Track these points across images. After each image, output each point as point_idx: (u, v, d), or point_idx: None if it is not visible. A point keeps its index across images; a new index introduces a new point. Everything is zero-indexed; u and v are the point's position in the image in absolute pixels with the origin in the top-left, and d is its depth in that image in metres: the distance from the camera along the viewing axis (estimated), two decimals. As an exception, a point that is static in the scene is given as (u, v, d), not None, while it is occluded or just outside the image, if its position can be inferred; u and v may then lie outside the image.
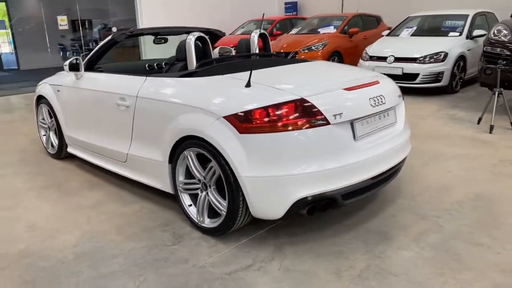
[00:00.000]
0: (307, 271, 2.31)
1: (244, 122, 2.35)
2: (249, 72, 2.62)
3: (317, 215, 2.92)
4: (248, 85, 2.53)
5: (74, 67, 3.61)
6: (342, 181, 2.43)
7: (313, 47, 9.36)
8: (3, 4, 13.73)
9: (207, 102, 2.55)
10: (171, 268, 2.37)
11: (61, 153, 4.24)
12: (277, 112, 2.33)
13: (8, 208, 3.23)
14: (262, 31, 3.71)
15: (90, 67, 3.79)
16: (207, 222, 2.68)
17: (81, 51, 12.37)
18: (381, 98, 2.70)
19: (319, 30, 10.13)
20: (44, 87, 4.24)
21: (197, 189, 2.73)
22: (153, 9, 11.70)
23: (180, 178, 2.79)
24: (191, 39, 3.11)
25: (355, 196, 2.57)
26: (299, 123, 2.33)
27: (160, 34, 4.01)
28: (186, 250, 2.56)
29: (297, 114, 2.34)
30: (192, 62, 3.12)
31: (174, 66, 3.21)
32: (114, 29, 12.29)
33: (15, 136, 5.37)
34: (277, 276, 2.27)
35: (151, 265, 2.41)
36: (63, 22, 10.41)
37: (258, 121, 2.33)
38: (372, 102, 2.62)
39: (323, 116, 2.37)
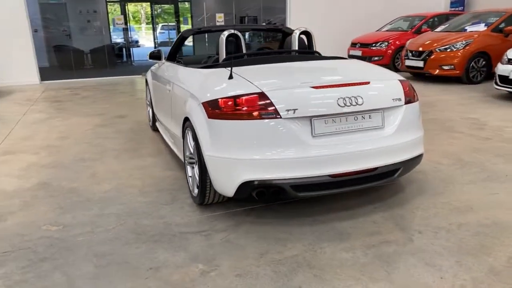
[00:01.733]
0: (240, 245, 2.57)
1: (212, 108, 2.73)
2: (267, 64, 2.96)
3: (298, 206, 3.07)
4: (230, 77, 2.87)
5: (153, 56, 4.48)
6: (291, 173, 2.58)
7: (451, 47, 8.53)
8: (189, 3, 16.34)
9: (197, 89, 3.00)
10: (147, 220, 2.94)
11: (154, 126, 5.26)
12: (237, 103, 2.63)
13: (92, 160, 4.32)
14: (304, 28, 3.88)
15: (171, 58, 4.61)
16: (195, 192, 3.15)
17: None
18: (356, 99, 2.68)
19: (466, 27, 9.10)
20: (148, 72, 5.30)
21: (193, 163, 3.22)
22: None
23: (187, 152, 3.32)
24: (223, 36, 3.58)
25: (310, 190, 2.67)
26: (253, 114, 2.58)
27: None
28: (170, 209, 3.10)
29: (252, 106, 2.59)
30: (222, 56, 3.58)
31: (210, 59, 3.73)
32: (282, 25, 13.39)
33: (143, 110, 6.74)
34: (214, 243, 2.60)
35: (137, 215, 3.03)
36: (220, 18, 11.94)
37: (222, 109, 2.67)
38: (341, 102, 2.64)
39: (274, 110, 2.56)
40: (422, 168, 3.80)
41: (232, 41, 3.63)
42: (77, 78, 11.29)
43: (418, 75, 9.38)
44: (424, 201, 3.14)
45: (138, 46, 18.27)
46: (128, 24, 15.51)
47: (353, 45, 11.53)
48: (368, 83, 2.79)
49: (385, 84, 2.87)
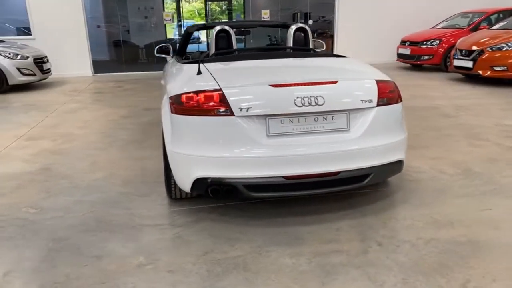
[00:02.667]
0: (189, 242, 2.56)
1: (175, 103, 2.74)
2: (246, 61, 2.97)
3: (270, 206, 2.99)
4: (198, 73, 2.86)
5: (161, 51, 4.58)
6: (244, 172, 2.52)
7: (506, 46, 7.81)
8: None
9: (169, 84, 3.03)
10: (117, 210, 3.04)
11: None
12: (195, 99, 2.62)
13: (99, 149, 4.54)
14: (301, 24, 3.75)
15: (179, 53, 4.69)
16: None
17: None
18: (316, 99, 2.55)
19: (527, 25, 8.27)
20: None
21: (168, 157, 3.26)
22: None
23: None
24: (213, 32, 3.58)
25: (265, 191, 2.60)
26: (208, 110, 2.55)
27: (233, 27, 4.54)
28: (142, 201, 3.17)
29: (209, 103, 2.56)
30: (212, 51, 3.59)
31: (203, 54, 3.74)
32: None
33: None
34: (165, 238, 2.63)
35: (110, 204, 3.14)
36: (265, 15, 11.92)
37: (183, 104, 2.68)
38: (298, 102, 2.53)
39: (228, 107, 2.52)
40: (419, 176, 3.53)
41: (223, 36, 3.62)
42: (129, 71, 11.87)
43: (470, 76, 8.69)
44: (403, 211, 2.92)
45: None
46: (182, 20, 15.98)
47: (403, 43, 10.94)
48: (335, 82, 2.64)
49: (355, 84, 2.70)
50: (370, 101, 2.67)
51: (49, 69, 9.31)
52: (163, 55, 4.64)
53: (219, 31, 3.60)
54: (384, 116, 2.71)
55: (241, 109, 2.51)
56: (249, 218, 2.86)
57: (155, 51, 4.61)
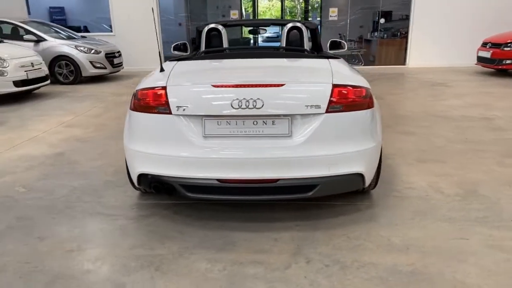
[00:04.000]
0: (126, 235, 2.63)
1: (133, 99, 2.82)
2: (222, 60, 2.99)
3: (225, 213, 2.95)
4: (161, 70, 2.91)
5: (176, 48, 4.71)
6: (180, 172, 2.52)
7: None
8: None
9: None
10: (89, 197, 3.22)
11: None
12: (145, 95, 2.67)
13: (117, 138, 4.84)
14: (297, 24, 3.59)
15: (195, 51, 4.77)
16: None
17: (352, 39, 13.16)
18: (254, 102, 2.43)
19: None
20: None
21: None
22: None
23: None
24: (204, 30, 3.60)
25: (201, 192, 2.56)
26: (151, 108, 2.59)
27: (246, 26, 4.50)
28: (116, 191, 3.31)
29: (153, 100, 2.59)
30: (202, 49, 3.61)
31: (197, 52, 3.77)
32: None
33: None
34: (109, 228, 2.73)
35: (87, 191, 3.34)
36: (333, 13, 11.55)
37: (139, 100, 2.74)
38: (235, 104, 2.43)
39: (167, 106, 2.52)
40: (407, 193, 3.17)
41: (215, 35, 3.62)
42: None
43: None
44: (360, 229, 2.66)
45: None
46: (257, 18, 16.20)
47: (484, 45, 9.81)
48: (281, 85, 2.49)
49: (304, 88, 2.52)
50: (318, 106, 2.47)
51: (120, 63, 10.12)
52: (180, 52, 4.77)
53: (210, 30, 3.61)
54: (336, 123, 2.49)
55: (178, 108, 2.50)
56: (199, 218, 2.84)
57: (172, 48, 4.76)
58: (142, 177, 2.66)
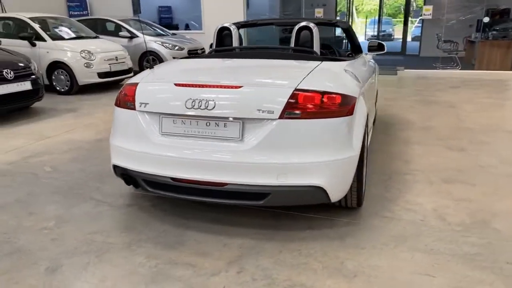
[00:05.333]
0: (99, 220, 2.82)
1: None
2: (216, 59, 3.06)
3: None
4: (151, 67, 3.02)
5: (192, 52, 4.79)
6: (140, 167, 2.61)
7: None
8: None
9: None
10: (95, 183, 3.51)
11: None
12: (122, 91, 2.79)
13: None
14: (306, 23, 3.39)
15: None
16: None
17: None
18: (206, 103, 2.39)
19: None
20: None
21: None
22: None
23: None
24: (216, 29, 3.63)
25: (159, 189, 2.61)
26: (124, 103, 2.71)
27: (273, 25, 4.39)
28: (114, 181, 3.53)
29: (127, 96, 2.71)
30: (214, 47, 3.66)
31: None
32: None
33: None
34: (90, 212, 2.94)
35: (96, 177, 3.63)
36: (427, 11, 10.56)
37: (118, 95, 2.88)
38: (189, 104, 2.42)
39: (133, 101, 2.62)
40: (399, 215, 2.82)
41: (226, 34, 3.63)
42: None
43: None
44: (318, 247, 2.45)
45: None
46: (350, 17, 15.57)
47: None
48: (238, 87, 2.41)
49: (261, 92, 2.39)
50: (271, 112, 2.33)
51: (202, 59, 10.66)
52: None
53: (221, 29, 3.62)
54: (291, 131, 2.33)
55: (141, 104, 2.59)
56: (171, 214, 2.90)
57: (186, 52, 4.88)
58: (115, 168, 2.81)
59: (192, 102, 2.43)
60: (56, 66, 7.74)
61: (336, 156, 2.41)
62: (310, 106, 2.37)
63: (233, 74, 2.74)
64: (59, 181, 3.53)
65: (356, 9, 32.91)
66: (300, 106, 2.35)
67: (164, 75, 2.79)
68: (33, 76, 5.98)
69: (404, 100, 6.83)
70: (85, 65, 7.67)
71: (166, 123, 2.54)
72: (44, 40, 7.79)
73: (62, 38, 8.07)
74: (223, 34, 3.65)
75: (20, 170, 3.79)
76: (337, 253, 2.39)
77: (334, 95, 2.45)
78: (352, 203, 2.78)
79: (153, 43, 9.95)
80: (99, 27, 10.53)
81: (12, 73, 5.64)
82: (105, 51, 8.08)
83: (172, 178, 2.50)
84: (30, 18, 8.03)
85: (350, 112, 2.50)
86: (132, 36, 10.08)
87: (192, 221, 2.79)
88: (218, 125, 2.43)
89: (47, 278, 2.20)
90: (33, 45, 7.77)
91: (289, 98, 2.35)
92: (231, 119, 2.39)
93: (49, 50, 7.73)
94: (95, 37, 8.81)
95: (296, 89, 2.39)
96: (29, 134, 5.02)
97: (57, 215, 2.92)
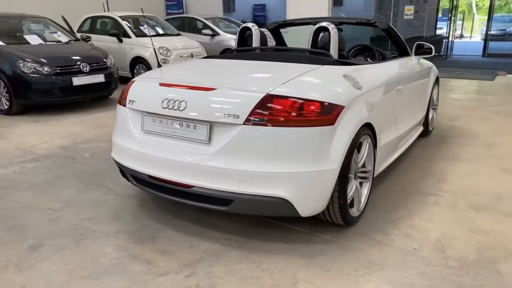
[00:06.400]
0: (94, 207, 3.02)
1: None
2: (227, 60, 3.13)
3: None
4: (159, 65, 3.13)
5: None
6: (126, 161, 2.73)
7: None
8: None
9: None
10: (113, 172, 3.75)
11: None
12: (124, 88, 2.93)
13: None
14: (325, 24, 3.18)
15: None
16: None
17: None
18: (179, 104, 2.39)
19: None
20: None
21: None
22: None
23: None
24: (238, 29, 3.62)
25: (141, 184, 2.70)
26: (120, 100, 2.84)
27: (310, 24, 4.18)
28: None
29: (123, 93, 2.84)
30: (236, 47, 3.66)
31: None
32: None
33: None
34: (91, 198, 3.16)
35: (107, 173, 3.88)
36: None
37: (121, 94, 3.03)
38: (164, 104, 2.45)
39: (125, 99, 2.74)
40: (393, 241, 2.52)
41: (248, 34, 3.59)
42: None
43: None
44: (281, 263, 2.32)
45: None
46: (453, 13, 14.10)
47: None
48: (211, 89, 2.37)
49: (231, 95, 2.32)
50: (236, 116, 2.25)
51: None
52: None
53: (243, 29, 3.59)
54: (256, 137, 2.22)
55: (129, 101, 2.69)
56: (160, 209, 2.98)
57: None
58: (114, 160, 2.97)
59: (168, 102, 2.46)
60: (137, 61, 8.41)
61: (305, 168, 2.24)
62: (280, 112, 2.23)
63: (216, 76, 2.71)
64: (88, 167, 3.85)
65: (477, 5, 29.75)
66: (269, 112, 2.23)
67: (159, 74, 2.86)
68: (107, 70, 6.58)
69: (481, 110, 6.03)
70: (162, 61, 8.19)
71: (147, 121, 2.61)
72: (129, 37, 8.52)
73: (145, 35, 8.73)
74: (245, 34, 3.61)
75: (64, 154, 4.22)
76: (297, 272, 2.23)
77: (311, 103, 2.28)
78: (337, 220, 2.56)
79: (232, 41, 10.23)
80: (187, 25, 11.18)
81: (88, 66, 6.28)
82: (182, 48, 8.54)
83: (149, 176, 2.56)
84: (120, 17, 8.84)
85: (330, 121, 2.30)
86: (214, 34, 10.49)
87: (175, 218, 2.84)
88: (189, 127, 2.42)
89: (25, 254, 2.43)
90: (120, 41, 8.54)
91: (257, 103, 2.25)
92: (199, 121, 2.37)
93: (133, 46, 8.43)
94: (177, 35, 9.36)
95: (268, 94, 2.28)
96: (91, 123, 5.55)
97: (68, 198, 3.19)
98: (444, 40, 14.18)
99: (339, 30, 4.23)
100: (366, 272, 2.22)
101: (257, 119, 2.23)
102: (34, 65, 5.90)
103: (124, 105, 2.75)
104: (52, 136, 4.87)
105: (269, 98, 2.26)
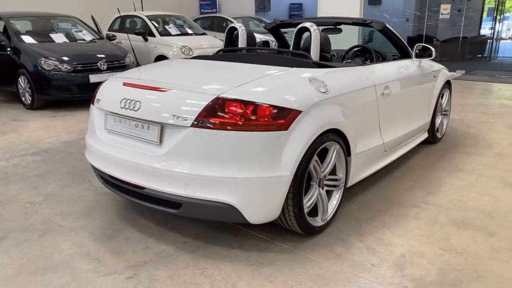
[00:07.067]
0: (75, 202, 3.09)
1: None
2: (206, 61, 3.11)
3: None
4: (138, 65, 3.15)
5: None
6: (94, 161, 2.75)
7: None
8: None
9: None
10: (91, 174, 3.82)
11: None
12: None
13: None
14: (307, 24, 3.05)
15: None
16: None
17: None
18: (134, 104, 2.39)
19: None
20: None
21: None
22: None
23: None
24: (226, 29, 3.58)
25: (106, 183, 2.73)
26: (92, 99, 2.89)
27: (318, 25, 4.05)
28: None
29: (95, 92, 2.88)
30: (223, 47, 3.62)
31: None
32: None
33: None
34: (79, 196, 3.24)
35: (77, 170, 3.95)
36: None
37: None
38: (122, 103, 2.46)
39: (94, 97, 2.78)
40: (353, 254, 2.38)
41: (234, 35, 3.54)
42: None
43: None
44: (227, 269, 2.25)
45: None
46: (499, 13, 13.22)
47: None
48: (165, 90, 2.34)
49: (182, 97, 2.28)
50: (184, 118, 2.20)
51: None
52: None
53: (230, 29, 3.54)
54: (203, 140, 2.17)
55: (96, 100, 2.73)
56: (133, 208, 3.00)
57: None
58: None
59: (125, 102, 2.46)
60: (161, 59, 8.57)
61: (254, 174, 2.17)
62: (229, 116, 2.17)
63: (176, 77, 2.68)
64: (82, 163, 3.95)
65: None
66: (217, 115, 2.18)
67: (128, 74, 2.87)
68: (125, 68, 6.73)
69: (508, 118, 5.60)
70: (183, 59, 8.30)
71: (109, 120, 2.63)
72: (154, 36, 8.70)
73: (169, 34, 8.89)
74: (233, 34, 3.56)
75: (64, 149, 4.37)
76: (238, 281, 2.16)
77: (264, 106, 2.20)
78: (295, 228, 2.45)
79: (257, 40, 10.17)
80: (216, 25, 11.27)
81: (106, 64, 6.47)
82: (205, 47, 8.61)
83: (109, 175, 2.58)
84: (147, 16, 9.05)
85: (284, 126, 2.21)
86: (240, 33, 10.48)
87: (143, 218, 2.84)
88: (143, 127, 2.41)
89: (-12, 246, 2.53)
90: (146, 40, 8.75)
91: (206, 106, 2.20)
92: (152, 122, 2.35)
93: (157, 45, 8.60)
94: (202, 34, 9.45)
95: (218, 97, 2.22)
96: (102, 119, 5.71)
97: (50, 193, 3.29)
98: (488, 41, 13.36)
99: (338, 31, 4.10)
100: (310, 286, 2.11)
101: (205, 122, 2.18)
102: (55, 62, 6.16)
103: (93, 104, 2.79)
104: (60, 131, 5.06)
105: (218, 101, 2.21)
